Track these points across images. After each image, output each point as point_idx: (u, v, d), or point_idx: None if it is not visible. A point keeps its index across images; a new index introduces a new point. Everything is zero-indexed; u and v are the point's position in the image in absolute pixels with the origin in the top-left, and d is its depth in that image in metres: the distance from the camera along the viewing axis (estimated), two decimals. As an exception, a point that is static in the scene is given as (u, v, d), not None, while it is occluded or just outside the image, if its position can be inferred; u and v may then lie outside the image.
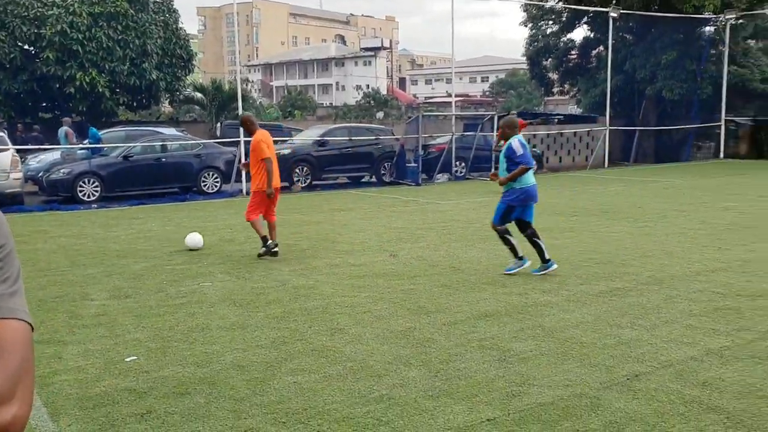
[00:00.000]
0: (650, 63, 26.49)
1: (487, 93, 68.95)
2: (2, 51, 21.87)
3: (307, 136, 19.71)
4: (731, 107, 26.47)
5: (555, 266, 7.17)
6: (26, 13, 21.75)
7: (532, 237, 7.20)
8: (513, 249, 7.23)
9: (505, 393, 4.00)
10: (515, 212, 7.24)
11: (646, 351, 4.71)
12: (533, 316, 5.61)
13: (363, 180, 19.56)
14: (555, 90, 34.81)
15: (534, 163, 7.33)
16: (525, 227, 7.26)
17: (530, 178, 7.20)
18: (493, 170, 8.04)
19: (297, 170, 17.74)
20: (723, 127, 26.39)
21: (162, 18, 25.36)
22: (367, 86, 66.53)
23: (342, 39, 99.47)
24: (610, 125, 24.62)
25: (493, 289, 6.54)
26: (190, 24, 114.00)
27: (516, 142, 7.15)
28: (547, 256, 7.18)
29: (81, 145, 17.44)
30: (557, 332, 5.15)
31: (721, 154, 26.52)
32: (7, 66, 22.28)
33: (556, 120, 27.50)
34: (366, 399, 3.94)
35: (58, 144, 18.37)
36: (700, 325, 5.29)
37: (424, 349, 4.79)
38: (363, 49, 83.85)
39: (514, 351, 4.73)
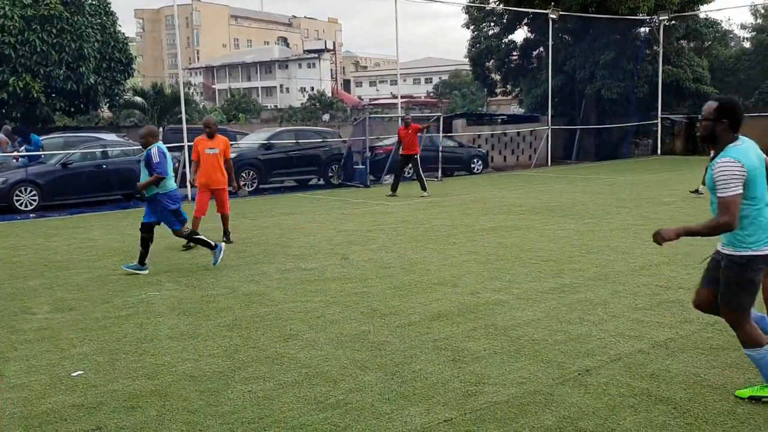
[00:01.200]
0: (589, 63, 27.18)
1: (432, 94, 69.53)
2: (-71, 55, 20.93)
3: (253, 139, 19.49)
4: (667, 105, 27.39)
5: (146, 271, 7.67)
6: (-46, 17, 20.90)
7: (146, 242, 7.63)
8: (205, 243, 7.92)
9: (461, 393, 4.04)
10: (173, 212, 7.74)
11: (595, 346, 4.82)
12: (485, 315, 5.67)
13: (311, 183, 19.46)
14: (498, 91, 35.36)
15: (170, 173, 7.75)
16: (149, 229, 7.70)
17: (171, 184, 7.76)
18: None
19: (243, 174, 17.50)
20: (659, 125, 27.29)
21: (99, 21, 24.72)
22: (312, 89, 66.22)
23: (285, 41, 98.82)
24: (552, 124, 25.15)
25: (444, 289, 6.59)
26: (128, 27, 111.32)
27: (155, 150, 7.60)
28: (145, 262, 7.71)
29: (13, 154, 16.78)
30: (509, 330, 5.22)
31: (659, 151, 27.41)
32: (-65, 71, 21.35)
33: (499, 120, 27.96)
34: (322, 405, 3.91)
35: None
36: (646, 319, 5.45)
37: (379, 352, 4.79)
38: (306, 51, 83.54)
39: (468, 350, 4.78)
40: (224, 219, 9.65)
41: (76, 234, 10.99)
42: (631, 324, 5.32)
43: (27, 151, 16.29)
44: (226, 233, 9.60)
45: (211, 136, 9.45)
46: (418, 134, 15.84)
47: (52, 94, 23.30)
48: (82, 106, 25.89)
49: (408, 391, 4.08)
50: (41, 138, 18.11)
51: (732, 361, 4.44)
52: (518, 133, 25.41)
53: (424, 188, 15.43)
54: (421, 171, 15.78)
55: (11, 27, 21.23)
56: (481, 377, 4.27)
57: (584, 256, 8.04)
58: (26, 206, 14.68)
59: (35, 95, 21.88)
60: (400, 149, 15.88)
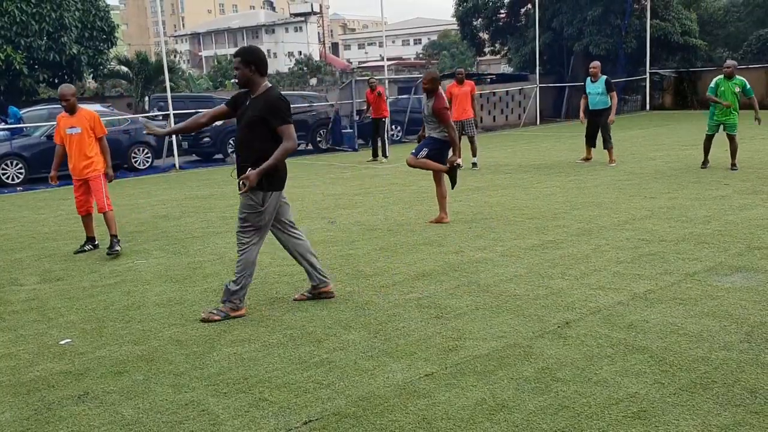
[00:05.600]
0: (577, 19, 26.93)
1: (421, 55, 68.86)
2: None
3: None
4: (655, 60, 27.24)
5: None
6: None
7: None
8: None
9: (442, 348, 4.11)
10: None
11: (575, 299, 4.90)
12: (469, 273, 5.74)
13: (299, 148, 19.38)
14: (486, 50, 35.05)
15: None
16: None
17: None
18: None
19: (232, 141, 17.43)
20: (648, 80, 27.17)
21: (79, -11, 24.19)
22: (300, 53, 65.49)
23: (271, 5, 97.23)
24: (540, 83, 25.02)
25: (429, 249, 6.65)
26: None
27: None
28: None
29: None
30: (492, 287, 5.29)
31: (647, 107, 27.35)
32: None
33: (488, 80, 27.76)
34: (306, 364, 3.98)
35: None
36: (627, 272, 5.52)
37: (363, 312, 4.86)
38: (293, 14, 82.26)
39: (451, 308, 4.85)
40: (105, 220, 7.29)
41: (63, 206, 10.97)
42: (611, 277, 5.39)
43: (9, 125, 16.15)
44: (111, 241, 7.23)
45: (71, 112, 7.17)
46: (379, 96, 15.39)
47: (34, 65, 22.95)
48: (66, 77, 25.47)
49: (390, 348, 4.15)
50: (22, 111, 17.94)
51: (709, 310, 4.52)
52: (507, 92, 25.28)
53: (384, 154, 15.37)
54: (386, 136, 15.73)
55: (-12, -2, 20.83)
56: (463, 333, 4.35)
57: (568, 212, 8.09)
58: (13, 180, 14.61)
59: (18, 67, 21.54)
60: (369, 112, 15.74)
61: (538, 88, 24.82)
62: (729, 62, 11.01)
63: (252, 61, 4.75)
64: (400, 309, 4.88)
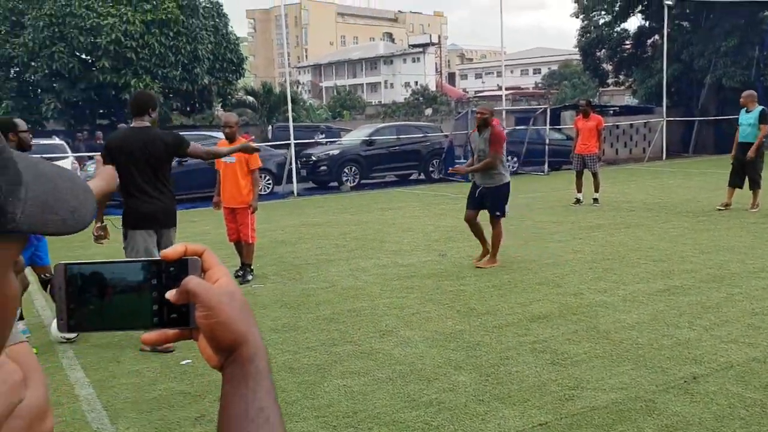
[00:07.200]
0: (709, 51, 25.60)
1: (540, 85, 67.91)
2: (61, 61, 22.70)
3: (356, 136, 19.79)
4: (796, 93, 25.34)
5: None
6: (83, 24, 22.50)
7: None
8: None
9: (558, 397, 3.93)
10: None
11: (704, 352, 4.55)
12: (588, 317, 5.49)
13: (411, 178, 19.53)
14: (610, 81, 34.05)
15: None
16: None
17: None
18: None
19: (345, 170, 17.85)
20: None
21: (212, 23, 25.89)
22: (416, 83, 66.40)
23: (390, 37, 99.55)
24: (667, 116, 23.92)
25: (546, 289, 6.43)
26: (239, 27, 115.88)
27: None
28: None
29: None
30: (612, 333, 5.03)
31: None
32: (66, 76, 23.11)
33: (611, 111, 26.87)
34: (416, 403, 3.92)
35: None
36: (763, 325, 5.08)
37: (475, 353, 4.74)
38: (411, 45, 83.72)
39: (568, 354, 4.64)
40: (245, 248, 7.40)
41: (190, 228, 11.57)
42: (745, 330, 4.98)
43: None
44: (244, 269, 7.36)
45: (231, 139, 6.98)
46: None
47: (169, 94, 24.67)
48: (197, 105, 27.27)
49: (503, 393, 4.02)
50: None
51: None
52: (631, 125, 24.33)
53: None
54: None
55: (133, 32, 22.64)
56: (580, 381, 4.14)
57: (697, 256, 7.60)
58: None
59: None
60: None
61: (664, 122, 23.73)
62: None
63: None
64: (513, 352, 4.73)
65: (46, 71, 22.78)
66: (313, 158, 18.02)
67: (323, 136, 21.93)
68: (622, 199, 13.01)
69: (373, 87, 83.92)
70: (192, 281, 0.66)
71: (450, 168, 7.79)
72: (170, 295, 0.66)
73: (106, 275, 0.64)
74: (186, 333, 0.70)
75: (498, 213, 7.34)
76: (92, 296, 0.64)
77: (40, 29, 22.62)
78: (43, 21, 22.56)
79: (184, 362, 4.77)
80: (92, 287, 0.64)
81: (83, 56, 23.64)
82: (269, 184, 17.28)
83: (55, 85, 23.64)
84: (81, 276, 0.63)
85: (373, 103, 63.61)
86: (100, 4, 22.79)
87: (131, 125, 5.20)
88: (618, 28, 29.86)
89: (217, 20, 26.25)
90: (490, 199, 7.36)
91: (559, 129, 22.09)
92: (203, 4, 26.06)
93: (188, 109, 27.37)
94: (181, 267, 0.67)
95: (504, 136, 7.28)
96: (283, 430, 0.67)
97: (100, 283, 0.64)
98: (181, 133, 5.73)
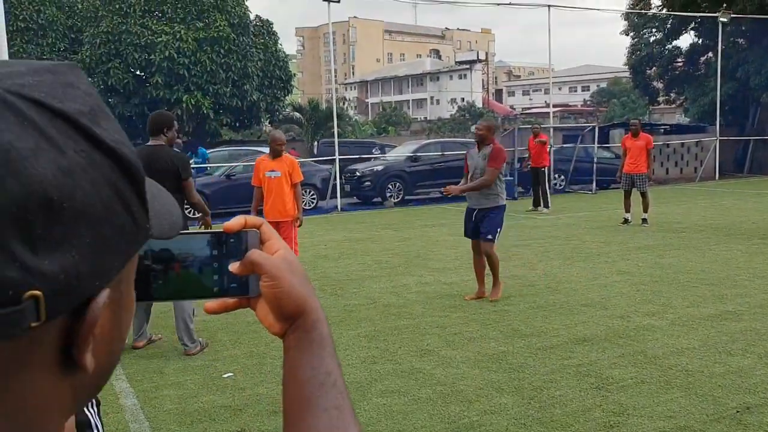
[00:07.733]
0: (766, 68, 24.92)
1: (588, 102, 67.09)
2: (116, 77, 23.45)
3: (400, 152, 19.83)
4: None
5: None
6: (138, 41, 23.21)
7: None
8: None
9: (602, 423, 3.82)
10: None
11: (759, 381, 4.37)
12: (635, 341, 5.34)
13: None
14: (660, 99, 33.42)
15: None
16: None
17: None
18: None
19: (390, 186, 17.87)
20: None
21: (262, 41, 26.38)
22: (462, 99, 66.32)
23: (437, 53, 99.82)
24: (720, 135, 23.31)
25: (592, 311, 6.29)
26: (288, 45, 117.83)
27: None
28: None
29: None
30: (660, 359, 4.88)
31: None
32: (121, 91, 23.85)
33: (662, 130, 26.33)
34: (456, 425, 3.86)
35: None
36: (823, 355, 4.86)
37: (517, 375, 4.65)
38: (458, 62, 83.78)
39: (613, 378, 4.52)
40: None
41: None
42: (804, 360, 4.77)
43: (195, 163, 17.71)
44: None
45: (276, 156, 7.15)
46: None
47: (219, 110, 25.17)
48: (245, 121, 27.75)
49: (545, 417, 3.93)
50: (208, 151, 19.64)
51: None
52: (682, 144, 23.78)
53: (546, 204, 14.92)
54: (547, 186, 15.30)
55: (185, 49, 23.24)
56: (626, 408, 4.02)
57: (751, 280, 7.34)
58: (193, 214, 15.90)
59: (205, 111, 23.77)
60: (530, 161, 15.56)
61: (718, 141, 23.13)
62: None
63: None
64: (557, 375, 4.62)
65: (102, 86, 23.54)
66: (358, 173, 18.12)
67: (379, 152, 22.07)
68: (672, 219, 12.69)
69: (419, 103, 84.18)
70: (255, 253, 0.69)
71: (443, 189, 7.29)
72: (234, 267, 0.69)
73: (174, 251, 0.67)
74: (244, 302, 0.73)
75: (490, 237, 6.70)
76: (162, 270, 0.67)
77: (97, 46, 23.45)
78: (100, 38, 23.39)
79: (226, 375, 4.81)
80: (161, 262, 0.67)
81: (137, 72, 24.38)
82: (314, 198, 17.43)
83: (110, 99, 24.39)
84: (151, 252, 0.66)
85: (419, 119, 63.75)
86: (155, 22, 23.52)
87: (148, 143, 5.66)
88: (669, 46, 29.32)
89: (267, 38, 26.75)
90: (483, 222, 6.79)
91: (608, 147, 21.73)
92: (254, 22, 26.60)
93: (237, 124, 27.88)
94: (239, 239, 0.70)
95: (505, 154, 6.83)
96: (348, 394, 0.69)
97: (169, 258, 0.67)
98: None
